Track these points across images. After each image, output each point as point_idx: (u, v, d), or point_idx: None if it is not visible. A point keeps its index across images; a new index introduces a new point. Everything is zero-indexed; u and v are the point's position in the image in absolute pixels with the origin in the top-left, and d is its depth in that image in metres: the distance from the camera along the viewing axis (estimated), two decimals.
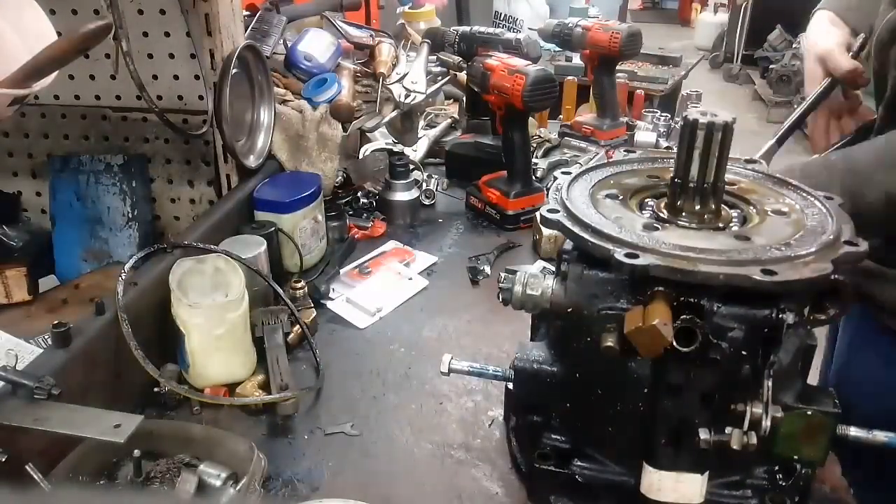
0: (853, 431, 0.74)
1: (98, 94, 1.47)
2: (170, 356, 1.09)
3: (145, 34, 1.39)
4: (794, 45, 6.70)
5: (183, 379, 1.08)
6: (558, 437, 0.85)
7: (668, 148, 2.03)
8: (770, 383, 0.68)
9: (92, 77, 1.45)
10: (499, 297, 0.82)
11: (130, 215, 1.49)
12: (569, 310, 0.77)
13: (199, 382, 1.08)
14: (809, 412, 0.72)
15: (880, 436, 0.74)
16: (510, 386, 0.91)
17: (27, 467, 0.79)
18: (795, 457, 0.73)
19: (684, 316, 0.67)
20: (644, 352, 0.67)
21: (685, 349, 0.67)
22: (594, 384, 0.79)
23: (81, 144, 1.51)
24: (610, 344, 0.70)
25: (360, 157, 1.85)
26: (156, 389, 1.04)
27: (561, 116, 2.30)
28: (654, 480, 0.75)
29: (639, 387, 0.75)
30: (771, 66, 6.73)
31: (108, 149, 1.50)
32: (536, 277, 0.80)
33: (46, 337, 1.12)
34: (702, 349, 0.68)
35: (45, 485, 0.80)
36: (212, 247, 1.16)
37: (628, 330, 0.67)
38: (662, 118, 2.19)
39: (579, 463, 0.83)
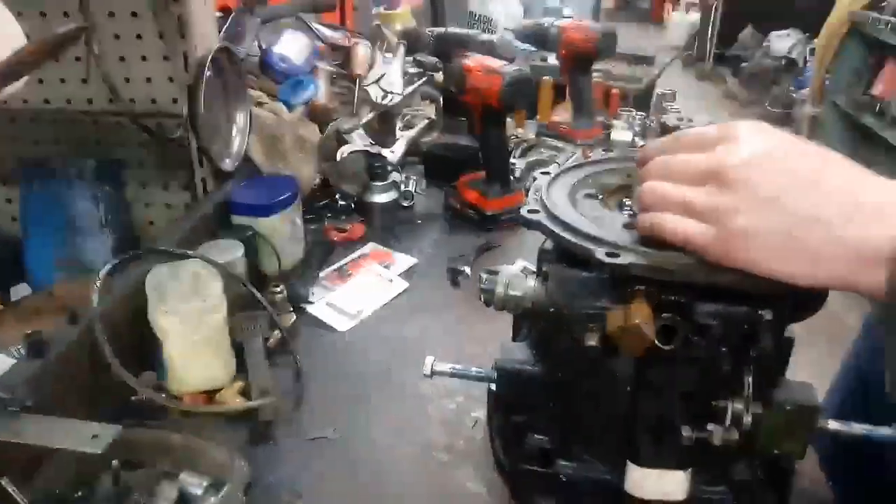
0: (832, 424, 0.75)
1: (69, 97, 1.44)
2: (148, 364, 1.07)
3: (116, 36, 1.36)
4: (764, 44, 6.81)
5: (161, 387, 1.07)
6: (542, 437, 0.85)
7: (643, 146, 2.04)
8: (750, 379, 0.69)
9: (62, 80, 1.43)
10: (480, 298, 0.82)
11: (104, 221, 1.46)
12: (551, 310, 0.77)
13: (177, 390, 1.06)
14: (789, 406, 0.72)
15: (858, 428, 0.75)
16: (493, 387, 0.90)
17: (1, 482, 0.77)
18: (776, 451, 0.74)
19: (665, 314, 0.68)
20: (627, 351, 0.68)
21: (666, 347, 0.68)
22: (577, 383, 0.79)
23: (52, 149, 1.48)
24: (592, 343, 0.70)
25: (338, 158, 1.84)
26: (133, 398, 1.02)
27: (538, 116, 2.31)
28: (638, 478, 0.75)
29: (621, 385, 0.75)
30: (742, 65, 6.83)
31: (81, 153, 1.47)
32: (518, 278, 0.80)
33: (19, 347, 1.10)
34: (683, 347, 0.68)
35: (20, 499, 0.78)
36: (188, 252, 1.15)
37: (611, 329, 0.68)
38: (638, 117, 2.20)
39: (563, 462, 0.83)
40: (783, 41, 6.61)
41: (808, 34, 6.32)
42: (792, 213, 0.62)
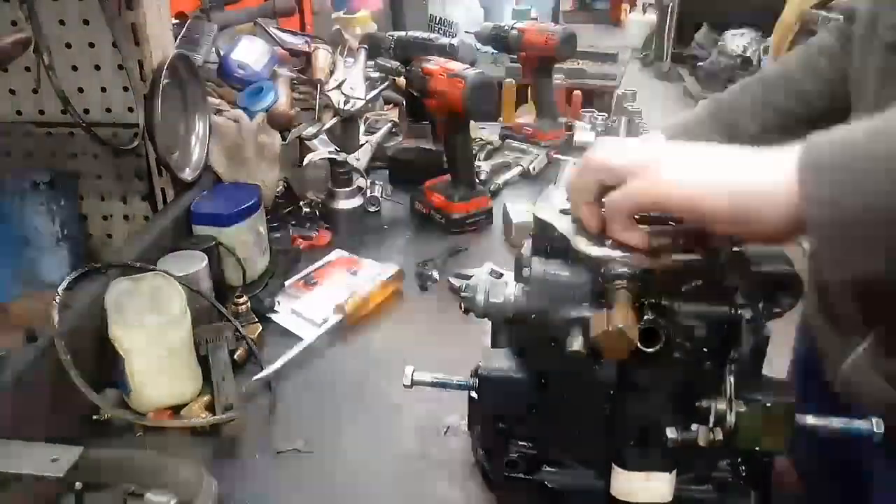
0: (810, 420, 0.76)
1: (19, 108, 1.40)
2: (108, 381, 1.04)
3: (68, 45, 1.33)
4: (719, 43, 6.94)
5: (124, 404, 1.04)
6: (526, 444, 0.84)
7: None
8: (732, 379, 0.69)
9: (12, 91, 1.38)
10: (461, 307, 0.81)
11: (60, 235, 1.42)
12: (533, 316, 0.76)
13: (141, 407, 1.04)
14: (769, 403, 0.72)
15: (836, 422, 0.76)
16: (474, 395, 0.89)
17: None
18: (756, 448, 0.74)
19: (647, 316, 0.68)
20: (610, 355, 0.67)
21: (649, 349, 0.67)
22: (561, 389, 0.79)
23: (4, 162, 1.43)
24: (576, 348, 0.70)
25: (301, 165, 1.82)
26: (95, 417, 0.99)
27: (501, 119, 2.32)
28: (624, 482, 0.75)
29: (605, 389, 0.75)
30: (699, 64, 6.95)
31: (33, 166, 1.43)
32: (498, 285, 0.79)
33: None
34: (666, 349, 0.68)
35: None
36: (149, 265, 1.12)
37: (595, 334, 0.67)
38: (600, 117, 2.23)
39: (549, 469, 0.83)
40: (738, 40, 6.75)
41: (761, 33, 6.46)
42: (709, 161, 0.67)
